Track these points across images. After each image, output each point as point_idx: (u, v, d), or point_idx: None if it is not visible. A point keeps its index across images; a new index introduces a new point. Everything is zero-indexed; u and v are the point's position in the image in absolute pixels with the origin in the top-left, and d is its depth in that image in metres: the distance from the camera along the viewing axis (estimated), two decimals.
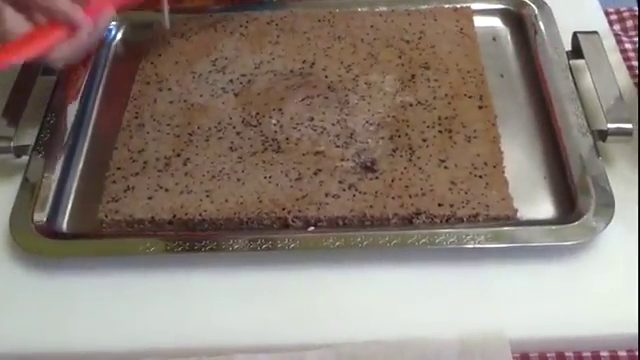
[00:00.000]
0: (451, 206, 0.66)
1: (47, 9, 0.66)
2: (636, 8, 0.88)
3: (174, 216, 0.67)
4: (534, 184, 0.70)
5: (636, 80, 0.79)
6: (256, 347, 0.60)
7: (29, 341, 0.62)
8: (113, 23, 0.87)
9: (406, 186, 0.68)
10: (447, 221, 0.66)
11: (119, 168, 0.71)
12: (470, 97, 0.76)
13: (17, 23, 0.66)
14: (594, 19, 0.85)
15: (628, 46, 0.84)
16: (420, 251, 0.64)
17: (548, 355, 0.61)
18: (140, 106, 0.77)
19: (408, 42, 0.81)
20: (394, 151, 0.71)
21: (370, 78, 0.78)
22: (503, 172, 0.69)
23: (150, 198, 0.68)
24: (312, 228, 0.66)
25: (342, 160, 0.70)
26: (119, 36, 0.88)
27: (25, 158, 0.72)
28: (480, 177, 0.68)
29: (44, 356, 0.61)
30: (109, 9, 0.70)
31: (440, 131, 0.72)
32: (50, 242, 0.66)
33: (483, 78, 0.77)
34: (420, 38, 0.82)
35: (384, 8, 0.86)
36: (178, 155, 0.72)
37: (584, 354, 0.61)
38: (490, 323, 0.61)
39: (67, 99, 0.78)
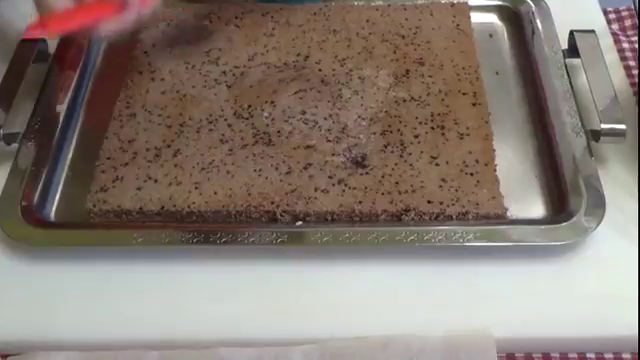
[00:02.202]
0: (441, 203, 0.66)
1: None
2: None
3: (162, 207, 0.67)
4: (525, 183, 0.70)
5: (633, 80, 0.78)
6: (241, 341, 0.60)
7: (15, 329, 0.62)
8: None
9: (396, 182, 0.67)
10: (436, 218, 0.66)
11: (109, 158, 0.71)
12: (464, 94, 0.75)
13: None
14: (592, 18, 0.84)
15: (626, 46, 0.84)
16: (408, 248, 0.64)
17: (534, 356, 0.61)
18: (132, 96, 0.76)
19: (403, 37, 0.81)
20: (385, 147, 0.70)
21: (364, 73, 0.77)
22: (494, 170, 0.68)
23: (139, 189, 0.68)
24: (300, 223, 0.66)
25: (333, 155, 0.70)
26: None
27: (15, 146, 0.72)
28: (471, 175, 0.68)
29: (30, 345, 0.61)
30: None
31: (432, 127, 0.72)
32: (38, 231, 0.66)
33: (478, 75, 0.77)
34: (416, 33, 0.81)
35: (380, 2, 0.85)
36: (168, 146, 0.71)
37: (570, 355, 0.61)
38: (477, 322, 0.60)
39: (59, 89, 0.77)
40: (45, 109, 0.75)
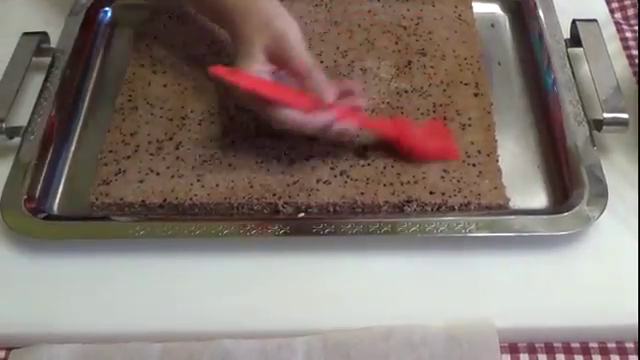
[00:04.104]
0: (443, 194, 0.66)
1: (305, 70, 0.65)
2: None
3: (164, 200, 0.67)
4: (528, 173, 0.70)
5: (635, 69, 0.78)
6: (244, 332, 0.60)
7: (18, 322, 0.62)
8: (110, 5, 0.87)
9: (398, 173, 0.67)
10: (438, 209, 0.66)
11: (111, 151, 0.71)
12: (466, 84, 0.75)
13: (262, 71, 0.65)
14: (595, 7, 0.84)
15: (629, 35, 0.83)
16: (410, 239, 0.64)
17: (536, 345, 0.61)
18: (134, 89, 0.76)
19: (405, 28, 0.81)
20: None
21: (366, 64, 0.77)
22: (497, 161, 0.68)
23: (141, 182, 0.68)
24: (302, 214, 0.66)
25: (335, 146, 0.70)
26: (115, 18, 0.87)
27: (17, 139, 0.72)
28: (473, 165, 0.68)
29: (33, 337, 0.61)
30: (354, 123, 0.67)
31: (435, 118, 0.72)
32: (41, 224, 0.66)
33: (480, 65, 0.77)
34: (417, 24, 0.81)
35: None
36: (170, 139, 0.72)
37: (573, 345, 0.61)
38: (479, 312, 0.60)
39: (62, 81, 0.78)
40: (47, 103, 0.75)
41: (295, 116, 0.64)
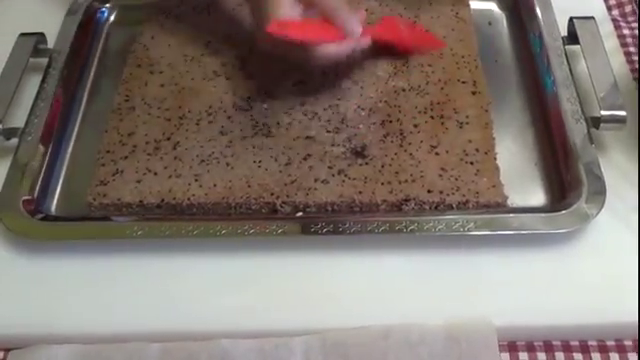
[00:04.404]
0: (441, 193, 0.66)
1: (332, 9, 0.68)
2: None
3: (162, 200, 0.67)
4: (526, 171, 0.70)
5: (633, 66, 0.78)
6: (242, 332, 0.60)
7: (17, 323, 0.62)
8: (107, 5, 0.87)
9: (396, 172, 0.67)
10: (436, 208, 0.66)
11: (108, 151, 0.71)
12: (463, 82, 0.75)
13: (292, 11, 0.68)
14: (592, 4, 0.84)
15: (626, 32, 0.83)
16: (409, 238, 0.64)
17: (535, 344, 0.61)
18: (131, 89, 0.76)
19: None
20: (385, 137, 0.70)
21: (363, 63, 0.77)
22: (495, 159, 0.68)
23: (139, 182, 0.68)
24: (300, 214, 0.66)
25: (332, 145, 0.70)
26: (112, 18, 0.87)
27: (15, 140, 0.72)
28: (471, 164, 0.68)
29: (32, 338, 0.61)
30: (367, 38, 0.73)
31: (432, 117, 0.72)
32: (38, 225, 0.66)
33: (477, 63, 0.77)
34: (415, 22, 0.81)
35: None
36: (168, 139, 0.71)
37: (572, 343, 0.61)
38: (478, 311, 0.60)
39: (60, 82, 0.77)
40: (44, 104, 0.75)
41: (331, 50, 0.69)
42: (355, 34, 0.70)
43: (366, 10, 0.82)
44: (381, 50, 0.77)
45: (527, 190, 0.68)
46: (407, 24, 0.80)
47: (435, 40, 0.79)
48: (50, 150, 0.72)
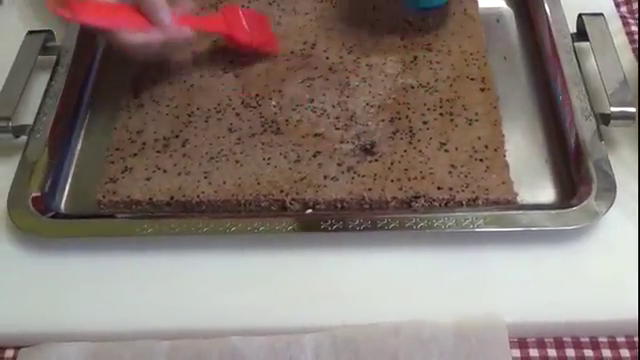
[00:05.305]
0: (450, 189, 0.66)
1: None
2: None
3: (172, 197, 0.67)
4: (535, 168, 0.70)
5: None
6: (252, 329, 0.60)
7: (26, 321, 0.62)
8: None
9: (405, 169, 0.67)
10: (446, 205, 0.66)
11: (117, 149, 0.71)
12: (472, 79, 0.75)
13: None
14: (600, 1, 0.84)
15: (634, 28, 0.83)
16: (418, 235, 0.64)
17: (546, 340, 0.60)
18: (140, 86, 0.76)
19: (411, 23, 0.80)
20: (394, 134, 0.70)
21: (371, 60, 0.77)
22: (504, 155, 0.68)
23: (148, 179, 0.68)
24: (310, 211, 0.66)
25: (341, 142, 0.70)
26: None
27: (24, 138, 0.72)
28: (480, 160, 0.68)
29: (41, 336, 0.61)
30: (187, 29, 0.71)
31: (441, 114, 0.72)
32: (48, 222, 0.66)
33: (486, 60, 0.76)
34: (423, 19, 0.81)
35: None
36: (177, 136, 0.71)
37: (582, 339, 0.60)
38: (488, 307, 0.60)
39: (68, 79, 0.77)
40: (53, 101, 0.75)
41: (138, 38, 0.68)
42: (163, 22, 0.68)
43: (373, 7, 0.82)
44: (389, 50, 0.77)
45: (536, 187, 0.68)
46: (253, 17, 0.78)
47: (272, 41, 0.78)
48: (59, 147, 0.72)
